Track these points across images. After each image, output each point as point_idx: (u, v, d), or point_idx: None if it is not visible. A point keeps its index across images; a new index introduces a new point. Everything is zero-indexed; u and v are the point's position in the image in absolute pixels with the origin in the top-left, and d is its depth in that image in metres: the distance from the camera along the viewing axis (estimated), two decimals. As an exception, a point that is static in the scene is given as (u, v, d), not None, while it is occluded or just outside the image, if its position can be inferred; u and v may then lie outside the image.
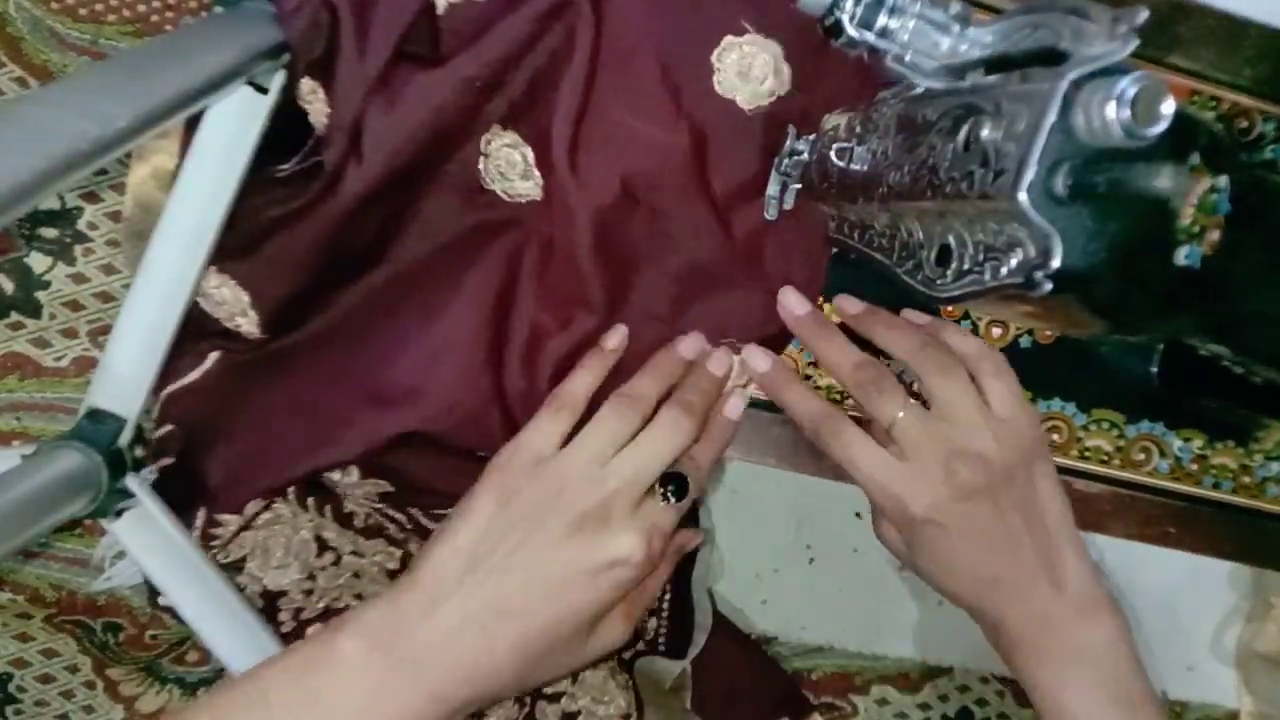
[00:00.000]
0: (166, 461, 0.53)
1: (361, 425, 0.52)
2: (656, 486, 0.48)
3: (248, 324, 0.52)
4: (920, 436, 0.47)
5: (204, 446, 0.54)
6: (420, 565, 0.45)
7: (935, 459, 0.46)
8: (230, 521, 0.54)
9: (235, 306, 0.51)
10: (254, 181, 0.50)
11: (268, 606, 0.54)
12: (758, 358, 0.53)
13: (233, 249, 0.50)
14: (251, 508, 0.54)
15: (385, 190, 0.49)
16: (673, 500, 0.48)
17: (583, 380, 0.50)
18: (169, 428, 0.53)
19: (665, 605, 0.64)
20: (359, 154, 0.48)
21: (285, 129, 0.50)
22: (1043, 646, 0.47)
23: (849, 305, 0.53)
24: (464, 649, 0.43)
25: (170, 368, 0.52)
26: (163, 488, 0.53)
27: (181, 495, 0.53)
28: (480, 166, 0.51)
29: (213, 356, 0.53)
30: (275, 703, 0.41)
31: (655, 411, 0.49)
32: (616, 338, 0.52)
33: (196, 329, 0.52)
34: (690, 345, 0.52)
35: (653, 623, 0.63)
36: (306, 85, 0.48)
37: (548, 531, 0.44)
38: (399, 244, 0.52)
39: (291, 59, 0.48)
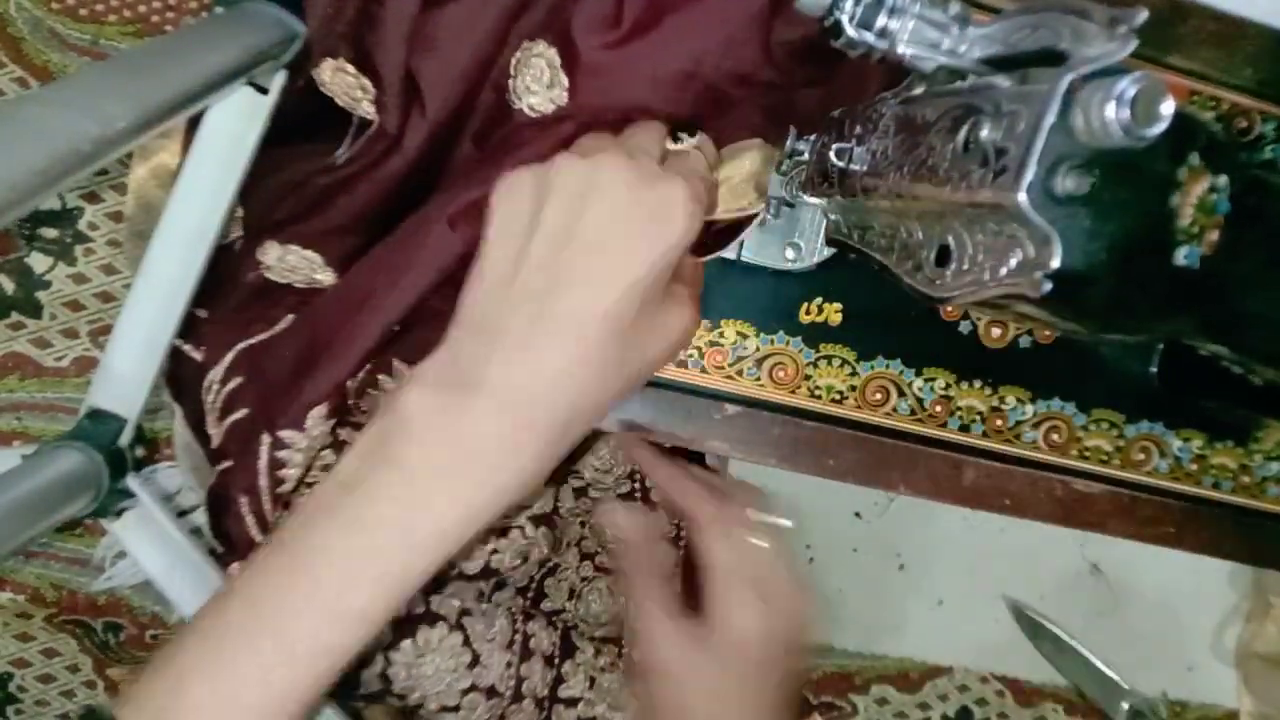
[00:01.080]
0: (240, 415, 0.51)
1: (409, 285, 0.48)
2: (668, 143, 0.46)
3: (328, 277, 0.52)
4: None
5: (276, 391, 0.51)
6: (463, 299, 0.41)
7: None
8: (297, 441, 0.49)
9: (309, 267, 0.51)
10: (294, 157, 0.50)
11: None
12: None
13: (286, 220, 0.51)
14: (315, 423, 0.49)
15: (443, 133, 0.49)
16: (686, 139, 0.47)
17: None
18: (239, 380, 0.51)
19: None
20: (421, 106, 0.48)
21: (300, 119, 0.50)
22: None
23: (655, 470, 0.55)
24: (541, 355, 0.38)
25: (239, 331, 0.51)
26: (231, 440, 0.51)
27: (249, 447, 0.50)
28: (510, 85, 0.50)
29: (289, 319, 0.52)
30: (355, 483, 0.38)
31: None
32: None
33: (266, 299, 0.52)
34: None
35: None
36: (328, 67, 0.48)
37: (582, 198, 0.39)
38: (445, 177, 0.52)
39: (307, 46, 0.48)
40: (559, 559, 0.62)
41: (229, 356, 0.51)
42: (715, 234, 0.51)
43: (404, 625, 0.53)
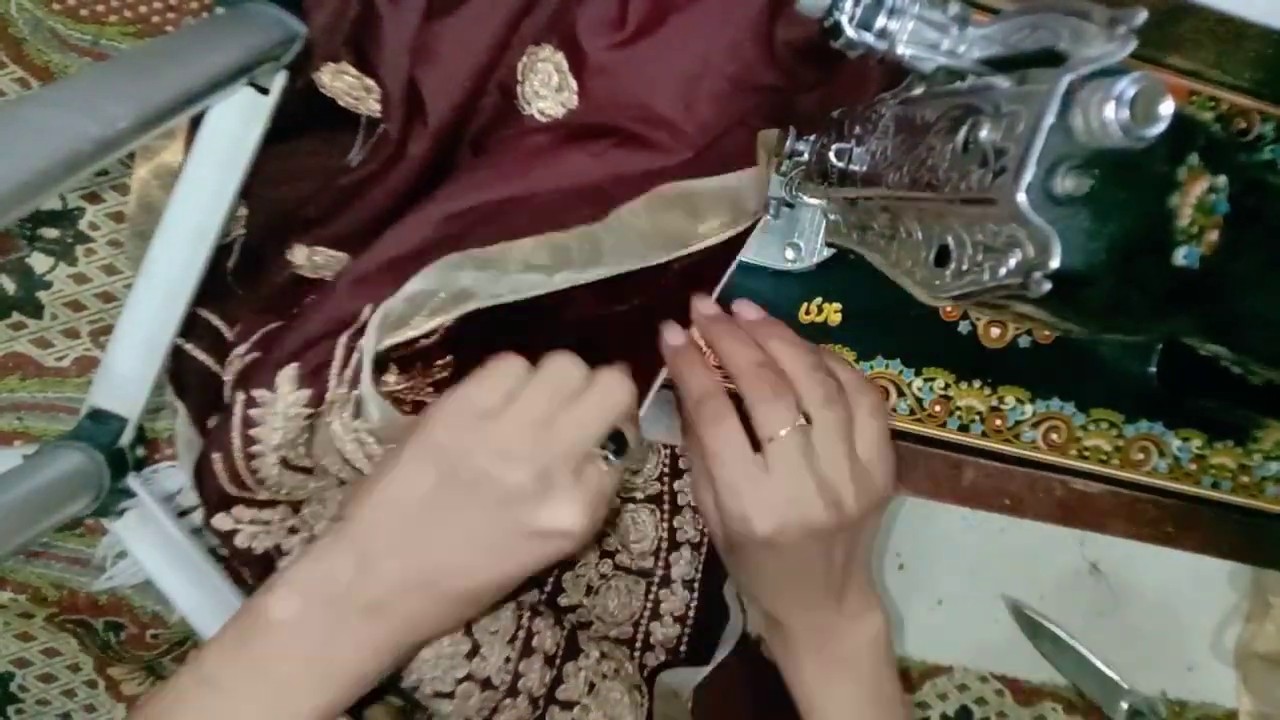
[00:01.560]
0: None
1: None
2: (596, 448, 0.45)
3: None
4: (794, 460, 0.46)
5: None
6: (353, 520, 0.42)
7: (798, 488, 0.46)
8: (268, 400, 0.48)
9: (338, 264, 0.52)
10: (307, 157, 0.51)
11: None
12: (672, 333, 0.52)
13: (310, 222, 0.51)
14: (286, 385, 0.49)
15: (447, 139, 0.50)
16: (613, 460, 0.45)
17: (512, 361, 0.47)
18: (255, 355, 0.51)
19: (691, 612, 0.63)
20: (423, 116, 0.49)
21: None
22: (815, 649, 0.51)
23: (748, 311, 0.53)
24: (406, 603, 0.42)
25: (271, 317, 0.52)
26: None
27: None
28: (518, 91, 0.50)
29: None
30: (218, 681, 0.40)
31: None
32: None
33: (300, 289, 0.52)
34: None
35: (675, 629, 0.63)
36: (328, 70, 0.49)
37: (490, 496, 0.42)
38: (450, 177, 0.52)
39: (308, 47, 0.48)
40: (580, 555, 0.62)
41: (256, 335, 0.52)
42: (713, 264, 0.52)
43: None
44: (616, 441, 0.46)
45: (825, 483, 0.46)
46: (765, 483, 0.46)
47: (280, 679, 0.40)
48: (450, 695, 0.54)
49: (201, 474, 0.51)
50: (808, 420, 0.47)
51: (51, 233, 0.59)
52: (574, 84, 0.49)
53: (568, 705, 0.57)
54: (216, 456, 0.49)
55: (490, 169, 0.50)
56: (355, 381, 0.47)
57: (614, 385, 0.45)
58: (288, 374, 0.47)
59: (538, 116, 0.50)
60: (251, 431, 0.48)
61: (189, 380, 0.54)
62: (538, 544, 0.43)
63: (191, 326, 0.53)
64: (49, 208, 0.58)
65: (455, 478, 0.42)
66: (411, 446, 0.43)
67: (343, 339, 0.47)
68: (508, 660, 0.56)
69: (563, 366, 0.45)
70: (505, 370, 0.45)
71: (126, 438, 0.54)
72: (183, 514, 0.60)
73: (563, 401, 0.44)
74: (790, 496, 0.46)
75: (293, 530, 0.53)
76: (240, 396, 0.48)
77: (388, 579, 0.41)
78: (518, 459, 0.42)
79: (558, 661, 0.58)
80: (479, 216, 0.48)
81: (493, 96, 0.51)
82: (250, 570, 0.53)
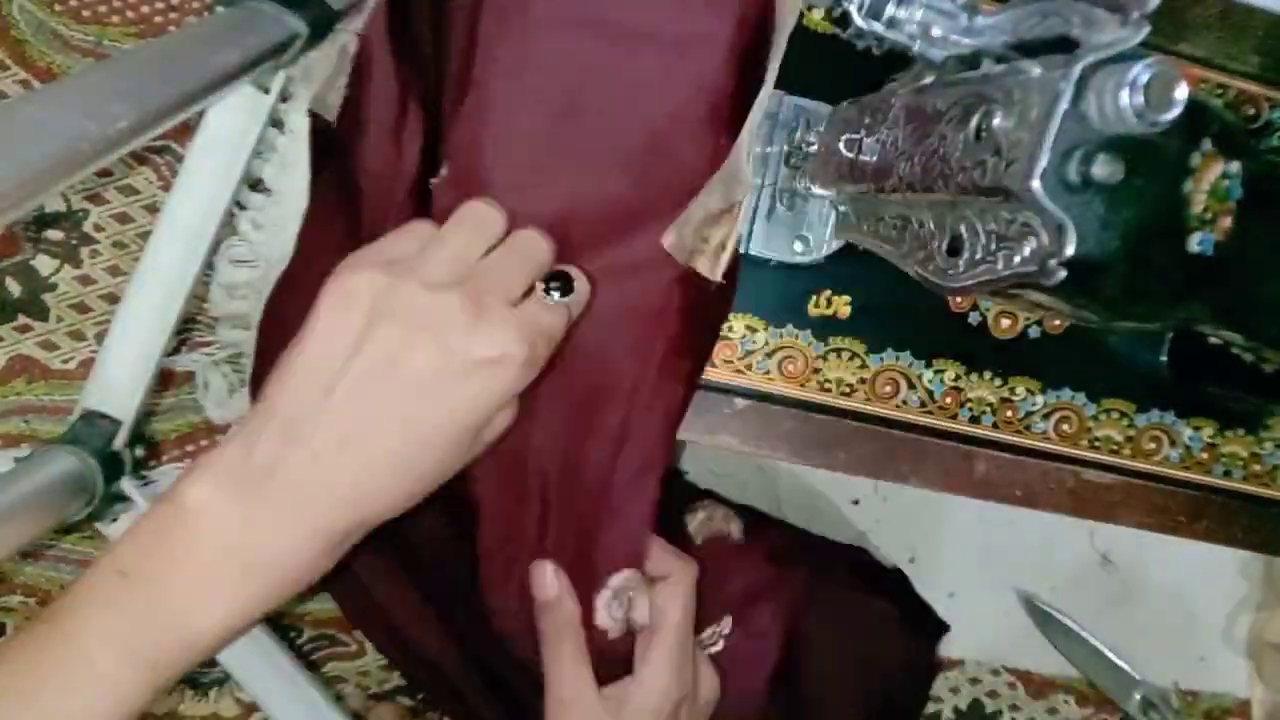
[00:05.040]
0: None
1: None
2: (538, 285, 0.43)
3: None
4: None
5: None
6: (271, 391, 0.39)
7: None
8: None
9: None
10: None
11: None
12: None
13: None
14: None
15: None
16: (558, 296, 0.42)
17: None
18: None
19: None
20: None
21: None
22: None
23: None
24: (338, 473, 0.38)
25: None
26: None
27: None
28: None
29: None
30: (137, 572, 0.37)
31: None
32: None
33: None
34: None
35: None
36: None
37: (413, 333, 0.38)
38: None
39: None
40: None
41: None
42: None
43: None
44: (561, 280, 0.43)
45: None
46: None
47: (200, 569, 0.37)
48: None
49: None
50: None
51: (55, 235, 0.59)
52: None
53: None
54: None
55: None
56: None
57: (534, 236, 0.43)
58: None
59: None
60: None
61: None
62: (478, 379, 0.39)
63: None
64: (52, 209, 0.58)
65: (379, 318, 0.38)
66: (325, 300, 0.39)
67: None
68: None
69: (479, 209, 0.43)
70: (414, 228, 0.43)
71: (121, 440, 0.53)
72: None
73: (485, 240, 0.42)
74: None
75: None
76: None
77: (314, 447, 0.38)
78: (445, 286, 0.39)
79: None
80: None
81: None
82: None
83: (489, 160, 0.46)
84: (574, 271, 0.44)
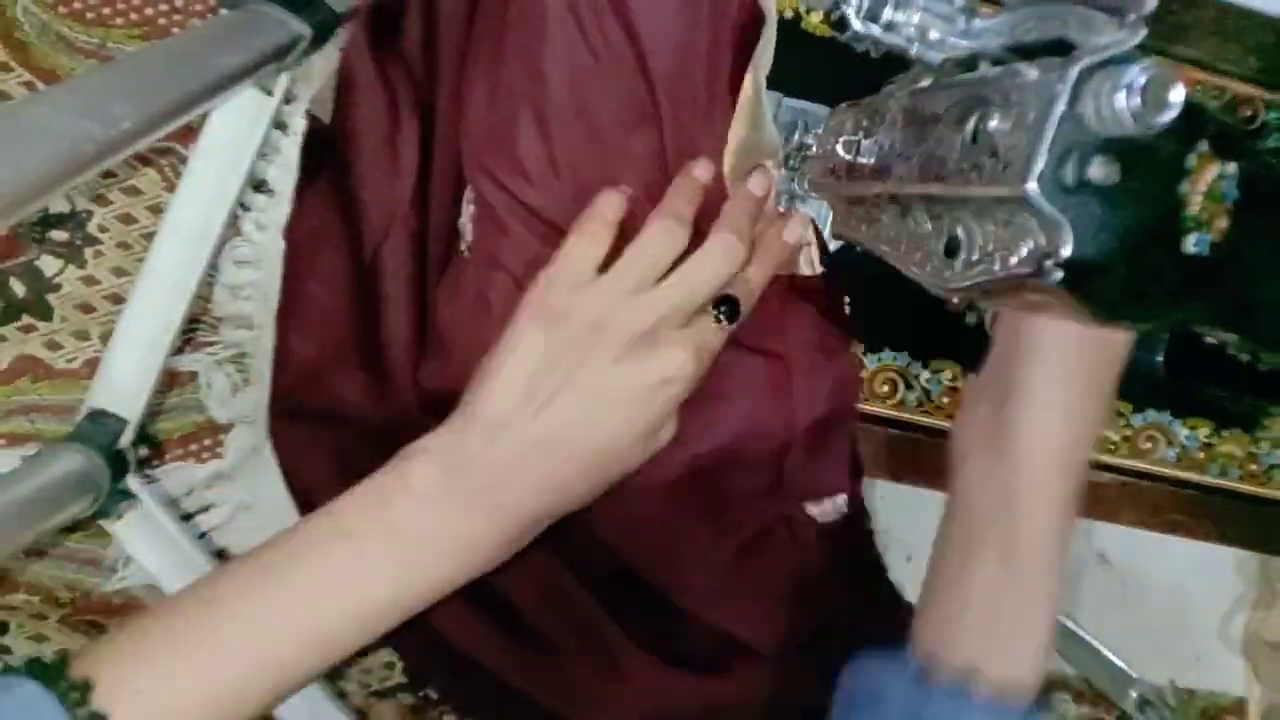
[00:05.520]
0: None
1: None
2: (709, 308, 0.47)
3: None
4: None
5: None
6: (476, 398, 0.45)
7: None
8: None
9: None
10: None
11: None
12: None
13: None
14: None
15: None
16: (725, 321, 0.47)
17: (610, 202, 0.48)
18: None
19: None
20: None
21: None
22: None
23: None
24: (531, 472, 0.44)
25: None
26: None
27: None
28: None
29: None
30: (356, 533, 0.42)
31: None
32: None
33: None
34: (704, 168, 0.50)
35: None
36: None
37: (600, 355, 0.44)
38: None
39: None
40: None
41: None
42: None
43: None
44: (729, 304, 0.47)
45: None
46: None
47: (411, 543, 0.42)
48: None
49: None
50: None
51: (60, 235, 0.59)
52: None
53: None
54: None
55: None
56: None
57: (721, 248, 0.47)
58: None
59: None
60: None
61: None
62: (650, 398, 0.45)
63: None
64: (57, 210, 0.58)
65: (564, 345, 0.44)
66: (522, 316, 0.45)
67: None
68: None
69: (664, 230, 0.46)
70: (593, 236, 0.46)
71: (127, 439, 0.53)
72: (187, 518, 0.60)
73: (663, 265, 0.46)
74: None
75: None
76: None
77: (511, 450, 0.43)
78: (625, 318, 0.45)
79: None
80: None
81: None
82: None
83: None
84: (740, 293, 0.48)
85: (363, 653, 0.70)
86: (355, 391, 0.56)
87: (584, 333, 0.44)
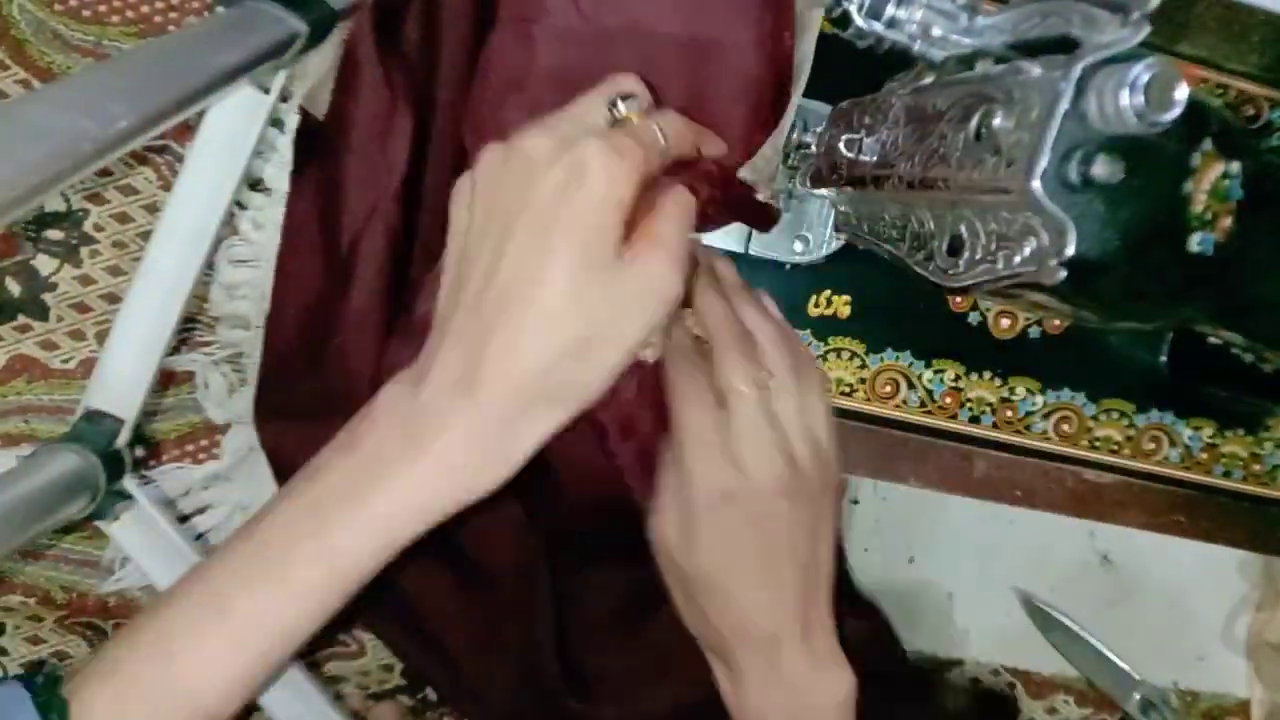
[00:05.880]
0: None
1: None
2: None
3: None
4: (757, 415, 0.44)
5: None
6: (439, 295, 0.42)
7: (760, 439, 0.44)
8: None
9: None
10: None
11: None
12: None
13: None
14: None
15: None
16: (623, 108, 0.42)
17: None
18: None
19: None
20: None
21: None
22: (775, 703, 0.45)
23: (730, 273, 0.51)
24: (488, 349, 0.38)
25: None
26: None
27: None
28: None
29: None
30: (317, 471, 0.39)
31: None
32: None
33: None
34: (715, 145, 0.47)
35: None
36: None
37: (525, 187, 0.39)
38: None
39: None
40: None
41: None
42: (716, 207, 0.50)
43: None
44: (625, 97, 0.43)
45: (786, 440, 0.45)
46: (728, 431, 0.44)
47: (367, 455, 0.39)
48: None
49: None
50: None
51: (56, 234, 0.59)
52: None
53: None
54: None
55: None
56: None
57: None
58: None
59: None
60: None
61: None
62: (565, 195, 0.38)
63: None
64: (52, 209, 0.58)
65: (475, 196, 0.41)
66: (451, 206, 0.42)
67: None
68: None
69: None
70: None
71: (123, 439, 0.53)
72: (184, 519, 0.60)
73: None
74: (753, 445, 0.44)
75: None
76: None
77: (465, 314, 0.39)
78: (535, 135, 0.39)
79: None
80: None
81: None
82: None
83: None
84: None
85: (362, 653, 0.70)
86: (335, 384, 0.54)
87: (491, 183, 0.40)
